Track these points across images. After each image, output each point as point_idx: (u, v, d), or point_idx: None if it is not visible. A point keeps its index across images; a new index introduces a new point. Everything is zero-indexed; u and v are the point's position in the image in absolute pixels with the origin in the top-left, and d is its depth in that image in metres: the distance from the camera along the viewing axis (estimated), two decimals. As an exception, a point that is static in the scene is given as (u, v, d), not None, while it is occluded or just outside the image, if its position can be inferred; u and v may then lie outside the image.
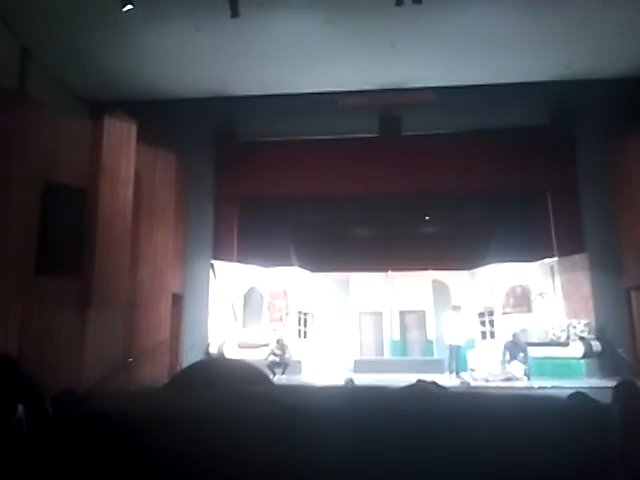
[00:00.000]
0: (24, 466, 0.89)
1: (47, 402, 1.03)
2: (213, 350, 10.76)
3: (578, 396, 1.12)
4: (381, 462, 0.79)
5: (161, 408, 0.87)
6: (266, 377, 1.19)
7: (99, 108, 10.00)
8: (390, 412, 0.85)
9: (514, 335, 10.48)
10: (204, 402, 0.87)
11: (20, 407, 0.91)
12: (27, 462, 0.90)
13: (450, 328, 11.35)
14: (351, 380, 7.06)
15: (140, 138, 9.19)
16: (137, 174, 9.17)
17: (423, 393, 0.94)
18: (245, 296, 12.38)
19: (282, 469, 0.77)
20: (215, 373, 1.10)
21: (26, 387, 1.02)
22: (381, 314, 14.72)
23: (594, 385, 8.45)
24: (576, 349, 10.13)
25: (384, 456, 0.80)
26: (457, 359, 10.96)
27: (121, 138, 8.96)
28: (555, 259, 11.33)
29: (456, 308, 11.70)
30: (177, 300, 10.52)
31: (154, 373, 9.02)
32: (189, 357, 9.95)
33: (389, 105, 10.94)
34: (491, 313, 12.94)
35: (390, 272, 14.40)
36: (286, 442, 0.79)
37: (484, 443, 0.85)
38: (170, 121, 10.62)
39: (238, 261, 11.93)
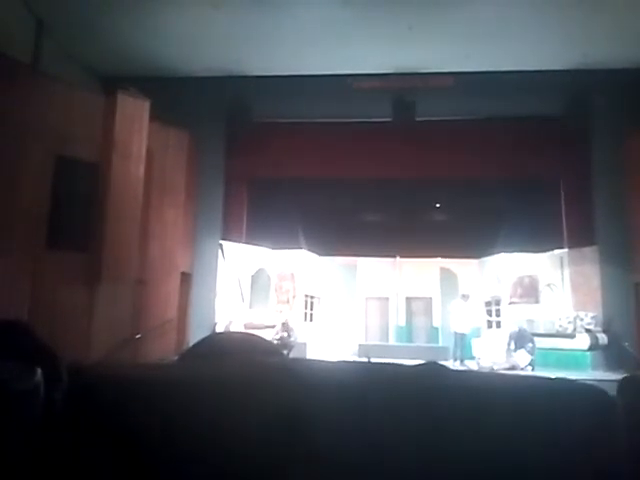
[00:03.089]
0: (41, 429, 0.90)
1: (63, 369, 1.03)
2: (220, 330, 10.83)
3: (585, 387, 1.12)
4: (398, 436, 0.80)
5: (181, 375, 0.87)
6: (279, 350, 1.20)
7: (112, 84, 9.95)
8: (406, 387, 0.85)
9: (519, 326, 10.49)
10: (223, 370, 0.88)
11: (39, 371, 0.91)
12: (44, 426, 0.90)
13: (457, 316, 11.37)
14: (368, 359, 7.10)
15: (153, 115, 9.17)
16: (149, 151, 9.16)
17: (438, 371, 0.94)
18: (253, 277, 12.42)
19: (298, 438, 0.78)
20: (230, 344, 1.11)
21: (42, 353, 1.02)
22: (387, 299, 14.73)
23: (599, 378, 8.43)
24: (582, 341, 10.11)
25: (400, 430, 0.80)
26: (462, 347, 11.00)
27: (134, 115, 8.94)
28: (565, 250, 11.27)
29: (465, 297, 11.71)
30: (185, 279, 10.58)
31: (161, 350, 9.11)
32: (196, 335, 10.02)
33: (404, 89, 10.82)
34: (498, 302, 12.92)
35: (398, 258, 14.39)
36: (302, 412, 0.79)
37: (498, 420, 0.85)
38: (183, 99, 10.57)
39: (247, 242, 11.96)
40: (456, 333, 11.17)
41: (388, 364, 1.01)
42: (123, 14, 9.14)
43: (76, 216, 8.26)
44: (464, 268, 14.15)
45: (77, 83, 9.54)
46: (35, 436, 0.88)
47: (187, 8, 9.01)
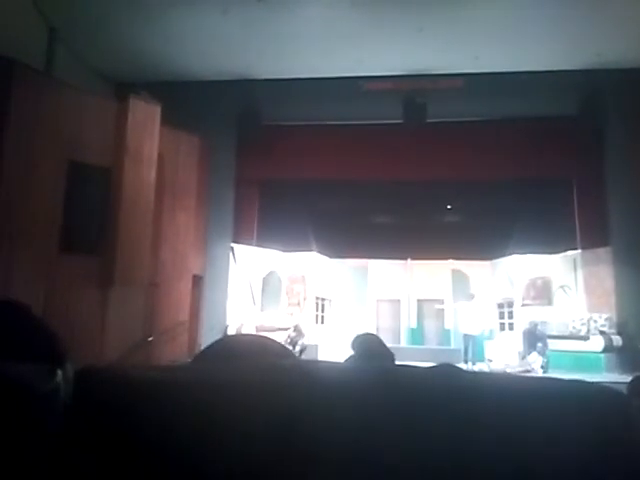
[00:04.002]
0: (59, 433, 0.89)
1: (64, 349, 1.01)
2: (231, 332, 10.87)
3: (602, 388, 1.10)
4: (414, 437, 0.79)
5: (194, 377, 0.88)
6: (292, 352, 1.19)
7: (124, 89, 10.04)
8: (421, 388, 0.85)
9: (531, 323, 10.39)
10: (236, 372, 0.88)
11: (59, 373, 0.90)
12: (61, 428, 0.90)
13: (464, 317, 11.29)
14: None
15: (164, 120, 9.23)
16: (160, 156, 9.21)
17: (452, 372, 0.93)
18: (264, 280, 12.45)
19: (312, 440, 0.78)
20: (242, 347, 1.11)
21: (40, 332, 1.00)
22: (399, 302, 14.71)
23: (613, 380, 8.35)
24: (596, 343, 10.02)
25: (417, 431, 0.80)
26: (473, 349, 10.91)
27: (145, 119, 9.00)
28: (578, 252, 11.17)
29: (469, 296, 11.60)
30: (197, 281, 10.62)
31: (173, 352, 9.14)
32: (208, 338, 10.05)
33: (414, 91, 10.80)
34: (510, 304, 12.84)
35: (409, 260, 14.35)
36: (317, 414, 0.79)
37: (512, 421, 0.85)
38: (193, 103, 10.64)
39: (258, 245, 11.99)
40: (465, 335, 11.09)
41: (402, 365, 1.00)
42: (134, 20, 9.22)
43: (89, 220, 8.33)
44: (476, 270, 14.10)
45: (90, 89, 9.62)
46: (54, 440, 0.88)
47: (197, 14, 9.06)
